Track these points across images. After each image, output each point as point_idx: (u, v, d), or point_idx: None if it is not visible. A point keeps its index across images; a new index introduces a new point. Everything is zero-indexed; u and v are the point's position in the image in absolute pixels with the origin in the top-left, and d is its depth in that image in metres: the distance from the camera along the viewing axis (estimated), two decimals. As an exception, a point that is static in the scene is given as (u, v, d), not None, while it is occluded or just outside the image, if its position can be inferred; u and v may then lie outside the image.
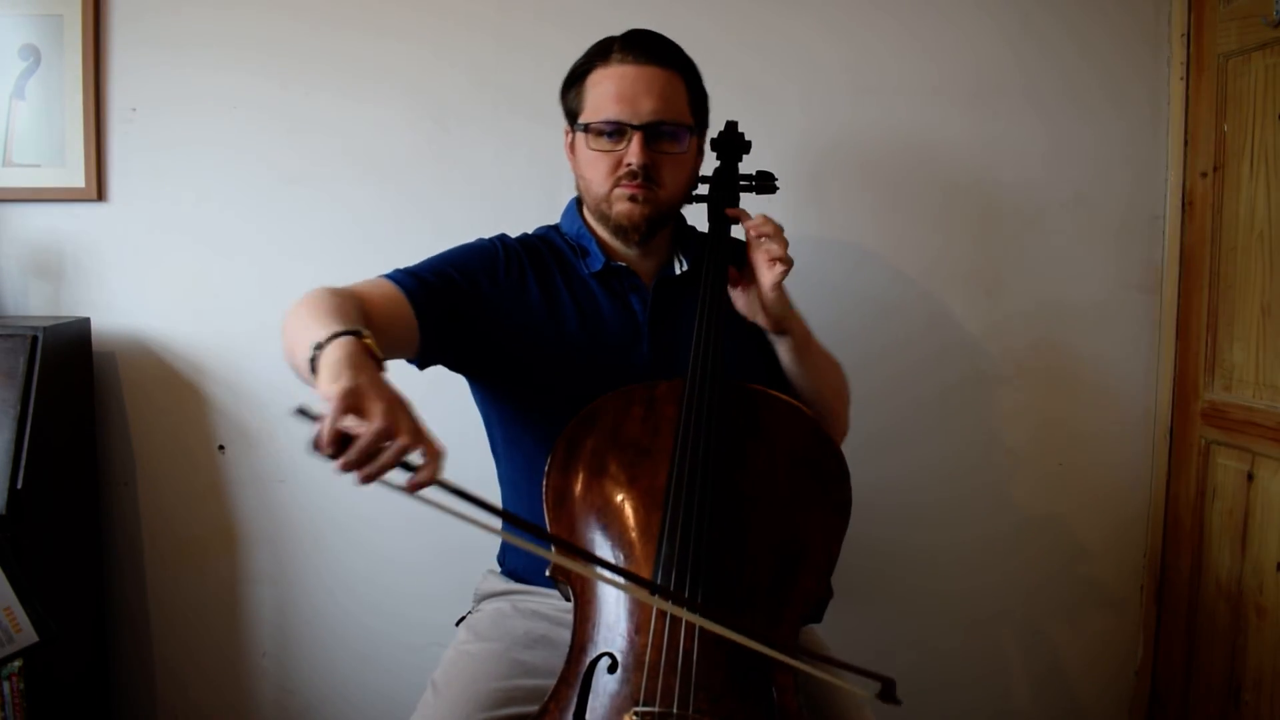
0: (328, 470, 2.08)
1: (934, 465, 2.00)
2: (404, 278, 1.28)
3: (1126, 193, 1.97)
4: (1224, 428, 1.83)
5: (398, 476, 0.89)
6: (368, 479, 0.88)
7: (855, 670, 1.03)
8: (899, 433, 1.97)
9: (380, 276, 1.29)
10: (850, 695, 1.30)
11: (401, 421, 0.88)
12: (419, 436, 0.89)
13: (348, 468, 0.87)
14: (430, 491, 0.90)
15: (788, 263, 1.28)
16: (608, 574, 1.11)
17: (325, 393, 0.89)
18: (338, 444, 0.87)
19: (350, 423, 0.87)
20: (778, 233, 1.30)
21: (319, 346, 0.97)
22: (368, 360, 0.96)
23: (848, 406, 1.47)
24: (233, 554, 1.98)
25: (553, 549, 1.13)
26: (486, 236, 1.43)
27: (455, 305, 1.30)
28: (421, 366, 1.32)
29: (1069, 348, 2.00)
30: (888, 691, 1.01)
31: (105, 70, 1.88)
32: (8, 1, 1.85)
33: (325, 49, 1.89)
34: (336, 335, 0.97)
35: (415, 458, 0.89)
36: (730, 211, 1.38)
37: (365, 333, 1.00)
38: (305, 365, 0.99)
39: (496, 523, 0.95)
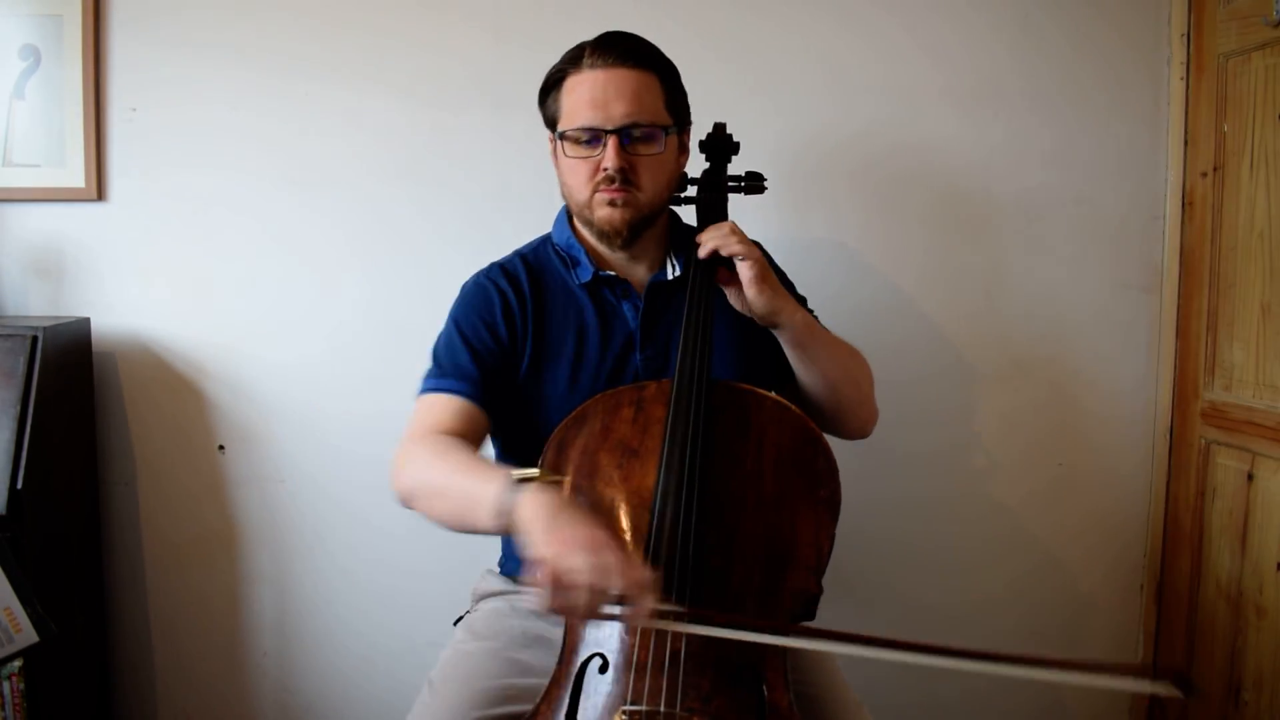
0: (326, 469, 2.07)
1: (934, 465, 2.00)
2: (458, 385, 1.30)
3: (1127, 193, 1.96)
4: (1224, 428, 1.83)
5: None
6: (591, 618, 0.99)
7: (1119, 670, 0.93)
8: (900, 433, 1.96)
9: (438, 394, 1.31)
10: (847, 695, 1.30)
11: (608, 573, 0.94)
12: (625, 576, 0.95)
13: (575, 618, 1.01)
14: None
15: (749, 256, 1.26)
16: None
17: (539, 554, 0.97)
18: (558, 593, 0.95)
19: (563, 587, 0.95)
20: (731, 234, 1.28)
21: (502, 506, 1.05)
22: (557, 501, 1.03)
23: (872, 391, 1.45)
24: (233, 554, 1.99)
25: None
26: (470, 278, 1.43)
27: (499, 371, 1.34)
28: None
29: (1069, 348, 2.00)
30: (1182, 682, 0.90)
31: (105, 70, 1.89)
32: (8, 1, 1.86)
33: (325, 50, 1.90)
34: (511, 485, 1.06)
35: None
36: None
37: (531, 473, 1.08)
38: (490, 522, 1.06)
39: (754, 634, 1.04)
